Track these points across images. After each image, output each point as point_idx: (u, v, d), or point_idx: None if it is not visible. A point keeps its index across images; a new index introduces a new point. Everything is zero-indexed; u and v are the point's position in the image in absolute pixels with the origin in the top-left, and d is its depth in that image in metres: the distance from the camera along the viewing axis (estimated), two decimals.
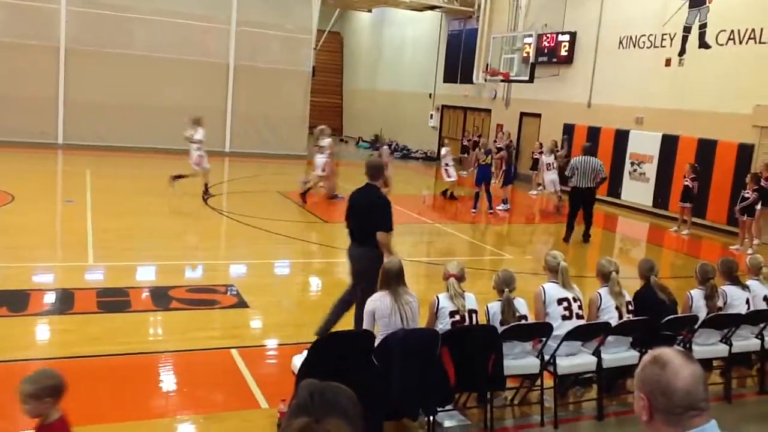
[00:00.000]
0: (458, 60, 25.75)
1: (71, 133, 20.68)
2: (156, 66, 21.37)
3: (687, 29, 16.15)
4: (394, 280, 5.00)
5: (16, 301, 7.14)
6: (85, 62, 20.59)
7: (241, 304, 7.73)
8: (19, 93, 19.89)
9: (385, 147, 16.64)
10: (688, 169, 14.20)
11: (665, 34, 16.74)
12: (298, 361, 4.84)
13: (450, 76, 26.44)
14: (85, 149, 19.76)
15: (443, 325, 5.11)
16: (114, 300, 7.48)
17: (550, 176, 16.95)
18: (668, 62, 16.63)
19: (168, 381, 5.77)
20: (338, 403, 1.62)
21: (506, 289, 5.29)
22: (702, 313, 5.94)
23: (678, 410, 1.89)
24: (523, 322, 5.28)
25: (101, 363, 5.90)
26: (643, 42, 17.41)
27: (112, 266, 8.92)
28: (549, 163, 17.10)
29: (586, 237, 12.93)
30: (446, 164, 16.75)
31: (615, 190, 17.65)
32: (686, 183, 14.09)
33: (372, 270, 5.73)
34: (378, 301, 4.95)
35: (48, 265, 8.89)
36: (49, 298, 7.47)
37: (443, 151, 16.99)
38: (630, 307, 5.75)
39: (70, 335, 6.45)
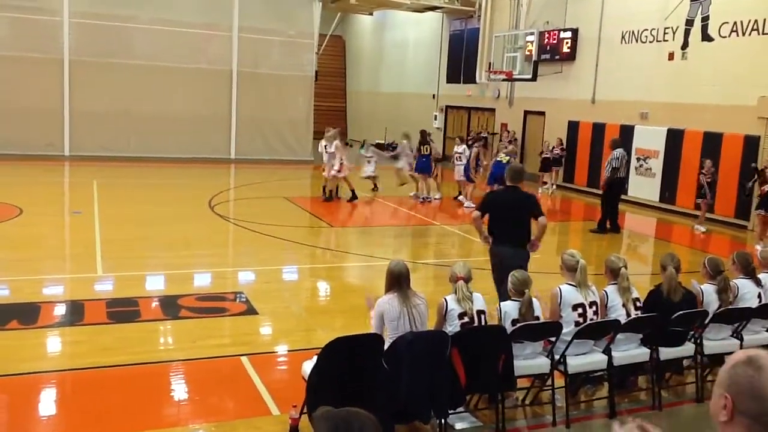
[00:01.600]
0: (461, 60, 25.74)
1: (77, 144, 20.78)
2: (160, 75, 21.47)
3: (689, 22, 16.10)
4: (404, 282, 5.00)
5: (27, 314, 7.17)
6: (89, 73, 20.69)
7: (250, 311, 7.74)
8: (25, 106, 20.00)
9: (405, 142, 16.82)
10: (709, 164, 13.98)
11: (668, 28, 16.69)
12: (308, 366, 4.84)
13: (453, 77, 26.42)
14: (91, 160, 19.85)
15: (452, 327, 5.09)
16: (124, 310, 7.50)
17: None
18: (671, 56, 16.59)
19: (179, 390, 5.79)
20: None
21: (526, 291, 5.27)
22: (713, 308, 5.90)
23: (765, 418, 1.76)
24: (532, 322, 5.25)
25: (112, 373, 5.92)
26: (646, 36, 17.37)
27: (120, 276, 8.95)
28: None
29: (618, 227, 13.75)
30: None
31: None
32: (708, 179, 13.88)
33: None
34: (387, 304, 4.95)
35: (57, 276, 8.93)
36: (59, 309, 7.51)
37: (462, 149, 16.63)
38: (638, 304, 5.73)
39: (80, 346, 6.47)
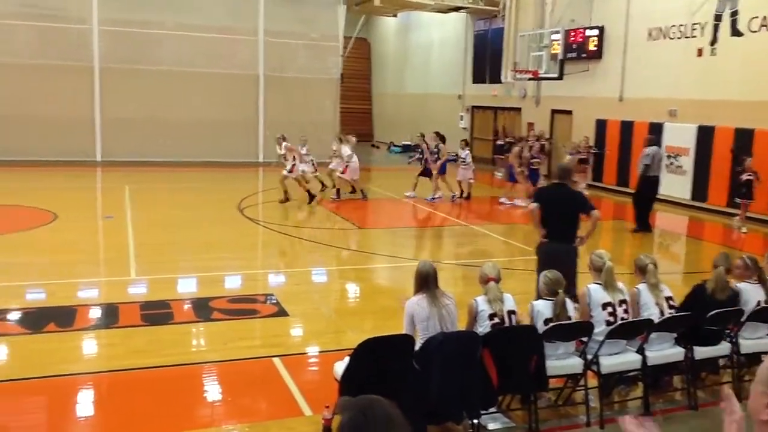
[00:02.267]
0: (486, 60, 25.65)
1: (109, 150, 21.15)
2: (187, 80, 21.75)
3: (718, 17, 15.87)
4: (433, 283, 5.01)
5: (63, 317, 7.31)
6: (118, 80, 21.03)
7: (281, 312, 7.80)
8: (57, 113, 20.38)
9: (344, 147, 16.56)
10: (749, 162, 13.53)
11: (696, 24, 16.47)
12: (339, 367, 4.87)
13: (478, 77, 26.34)
14: (122, 165, 20.16)
15: (483, 328, 5.08)
16: (157, 313, 7.61)
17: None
18: (700, 52, 16.35)
19: (212, 391, 5.85)
20: (391, 417, 1.62)
21: (560, 291, 5.25)
22: (750, 307, 5.80)
23: None
24: (564, 321, 5.22)
25: (146, 375, 6.01)
26: (674, 33, 17.15)
27: (153, 279, 9.08)
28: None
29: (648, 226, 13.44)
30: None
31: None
32: (749, 177, 13.39)
33: (575, 267, 6.72)
34: (416, 305, 4.96)
35: (92, 280, 9.09)
36: (95, 312, 7.63)
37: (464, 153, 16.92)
38: (671, 302, 5.67)
39: (115, 349, 6.58)
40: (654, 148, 13.42)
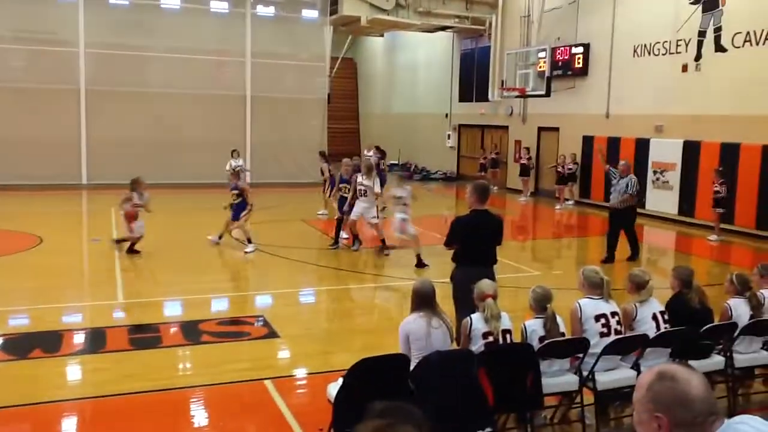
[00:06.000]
0: (472, 78, 25.82)
1: (95, 173, 21.04)
2: (175, 102, 21.78)
3: (702, 33, 16.06)
4: (431, 302, 4.96)
5: (49, 342, 7.18)
6: (104, 103, 21.00)
7: (272, 334, 7.71)
8: (43, 136, 20.27)
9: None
10: (715, 174, 14.10)
11: (680, 40, 16.66)
12: (333, 389, 4.79)
13: (465, 95, 26.49)
14: (108, 188, 19.99)
15: (477, 346, 5.03)
16: (145, 336, 7.49)
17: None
18: (685, 68, 16.53)
19: (204, 415, 5.75)
20: (411, 413, 1.65)
21: (549, 306, 5.22)
22: (743, 321, 5.80)
23: (699, 419, 1.86)
24: (560, 338, 5.18)
25: (136, 400, 5.88)
26: (658, 49, 17.34)
27: (141, 303, 8.96)
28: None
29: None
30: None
31: (639, 199, 17.43)
32: (715, 188, 13.99)
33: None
34: (412, 324, 4.91)
35: (78, 304, 8.95)
36: (81, 337, 7.51)
37: (399, 192, 11.94)
38: (665, 317, 5.64)
39: (103, 374, 6.45)
40: None
